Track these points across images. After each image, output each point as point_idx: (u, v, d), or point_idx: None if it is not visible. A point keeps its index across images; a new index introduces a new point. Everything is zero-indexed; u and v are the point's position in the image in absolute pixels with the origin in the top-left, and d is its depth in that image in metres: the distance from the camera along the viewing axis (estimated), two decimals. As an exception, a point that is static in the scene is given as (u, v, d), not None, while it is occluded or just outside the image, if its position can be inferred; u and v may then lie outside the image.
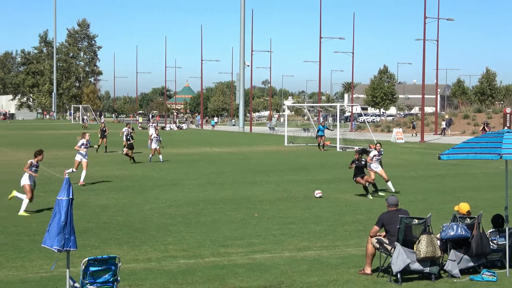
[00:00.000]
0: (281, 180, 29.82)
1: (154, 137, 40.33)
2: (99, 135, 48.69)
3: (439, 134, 74.73)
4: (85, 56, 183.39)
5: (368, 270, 13.33)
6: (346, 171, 34.48)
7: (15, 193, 21.22)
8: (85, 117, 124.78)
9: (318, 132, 54.16)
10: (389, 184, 26.04)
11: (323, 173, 33.85)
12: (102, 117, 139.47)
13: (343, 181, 29.68)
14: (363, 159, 24.84)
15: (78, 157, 29.00)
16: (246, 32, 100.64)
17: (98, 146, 46.47)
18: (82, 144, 28.75)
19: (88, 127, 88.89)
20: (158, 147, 39.87)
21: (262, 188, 27.20)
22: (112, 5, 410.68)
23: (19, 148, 51.09)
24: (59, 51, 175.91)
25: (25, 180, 20.84)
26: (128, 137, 39.68)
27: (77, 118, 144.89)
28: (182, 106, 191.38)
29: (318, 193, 24.35)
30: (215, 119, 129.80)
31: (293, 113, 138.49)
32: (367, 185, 24.56)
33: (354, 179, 24.72)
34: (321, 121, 66.57)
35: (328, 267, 13.91)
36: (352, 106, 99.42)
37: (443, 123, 75.62)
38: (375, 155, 26.07)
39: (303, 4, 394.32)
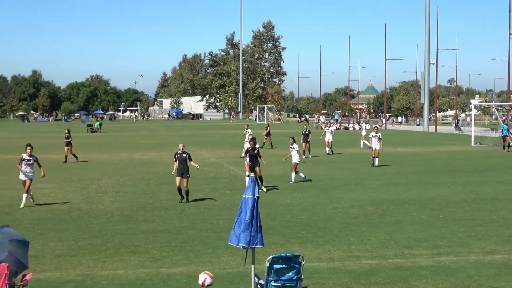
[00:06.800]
0: (467, 181, 28.97)
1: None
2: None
3: None
4: (269, 57, 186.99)
5: (561, 277, 12.68)
6: (538, 173, 33.02)
7: None
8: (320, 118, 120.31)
9: (502, 132, 51.90)
10: None
11: (512, 174, 32.50)
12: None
13: (534, 183, 28.39)
14: None
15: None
16: (431, 30, 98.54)
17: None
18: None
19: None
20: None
21: (447, 189, 26.55)
22: (296, 6, 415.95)
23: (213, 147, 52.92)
24: (245, 52, 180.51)
25: None
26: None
27: (261, 118, 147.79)
28: (366, 105, 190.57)
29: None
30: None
31: (480, 112, 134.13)
32: None
33: None
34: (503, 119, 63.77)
35: (517, 272, 13.37)
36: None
37: None
38: None
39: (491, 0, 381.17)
